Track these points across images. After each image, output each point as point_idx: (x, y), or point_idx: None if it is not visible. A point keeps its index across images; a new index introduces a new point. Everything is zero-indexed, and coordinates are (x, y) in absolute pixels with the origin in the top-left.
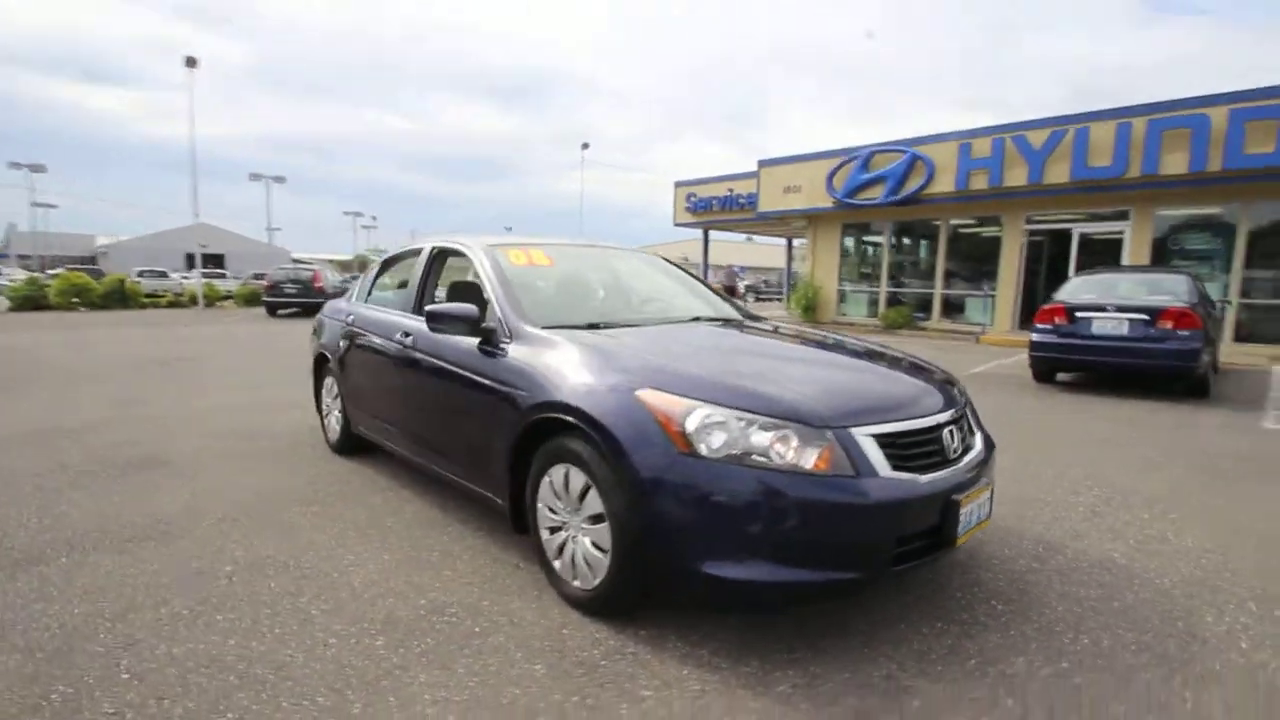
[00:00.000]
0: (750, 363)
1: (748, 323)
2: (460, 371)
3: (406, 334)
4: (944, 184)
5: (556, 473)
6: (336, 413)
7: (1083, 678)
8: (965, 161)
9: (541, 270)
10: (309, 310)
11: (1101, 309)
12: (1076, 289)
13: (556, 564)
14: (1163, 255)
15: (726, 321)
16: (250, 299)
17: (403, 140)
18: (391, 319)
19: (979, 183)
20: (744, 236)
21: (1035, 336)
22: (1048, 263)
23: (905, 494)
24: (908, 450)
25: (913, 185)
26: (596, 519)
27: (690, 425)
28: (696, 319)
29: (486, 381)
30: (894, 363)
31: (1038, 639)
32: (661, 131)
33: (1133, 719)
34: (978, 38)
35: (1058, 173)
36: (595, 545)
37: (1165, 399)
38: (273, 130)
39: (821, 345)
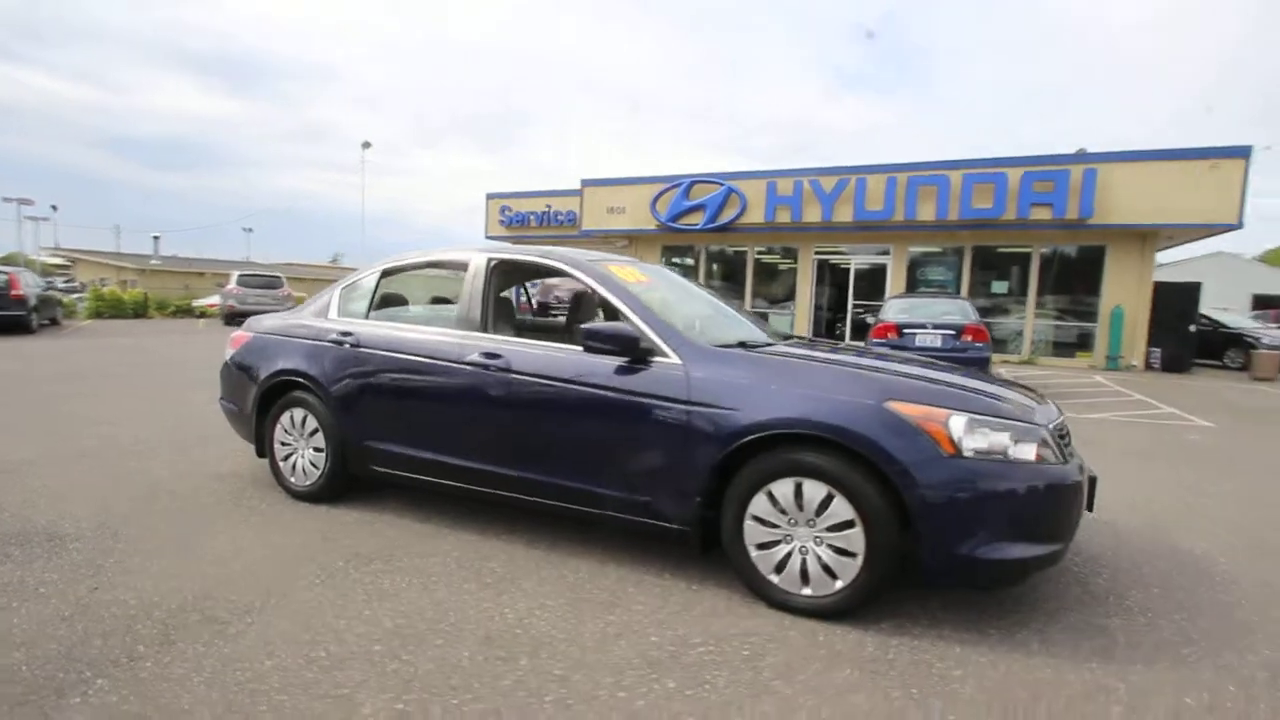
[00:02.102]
0: (925, 376)
1: (819, 340)
2: (615, 395)
3: (493, 355)
4: (755, 216)
5: (780, 487)
6: (310, 452)
7: (1176, 594)
8: (772, 198)
9: (649, 287)
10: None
11: (922, 326)
12: (895, 310)
13: (775, 578)
14: (914, 282)
15: (805, 339)
16: None
17: (84, 115)
18: (451, 339)
19: (783, 216)
20: None
21: (876, 349)
22: (830, 287)
23: (1082, 475)
24: (1064, 442)
25: (728, 215)
26: (842, 526)
27: (955, 430)
28: (786, 336)
29: (661, 403)
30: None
31: (1127, 576)
32: (412, 136)
33: (1224, 606)
34: (717, 86)
35: (843, 213)
36: (841, 551)
37: None
38: None
39: (923, 362)
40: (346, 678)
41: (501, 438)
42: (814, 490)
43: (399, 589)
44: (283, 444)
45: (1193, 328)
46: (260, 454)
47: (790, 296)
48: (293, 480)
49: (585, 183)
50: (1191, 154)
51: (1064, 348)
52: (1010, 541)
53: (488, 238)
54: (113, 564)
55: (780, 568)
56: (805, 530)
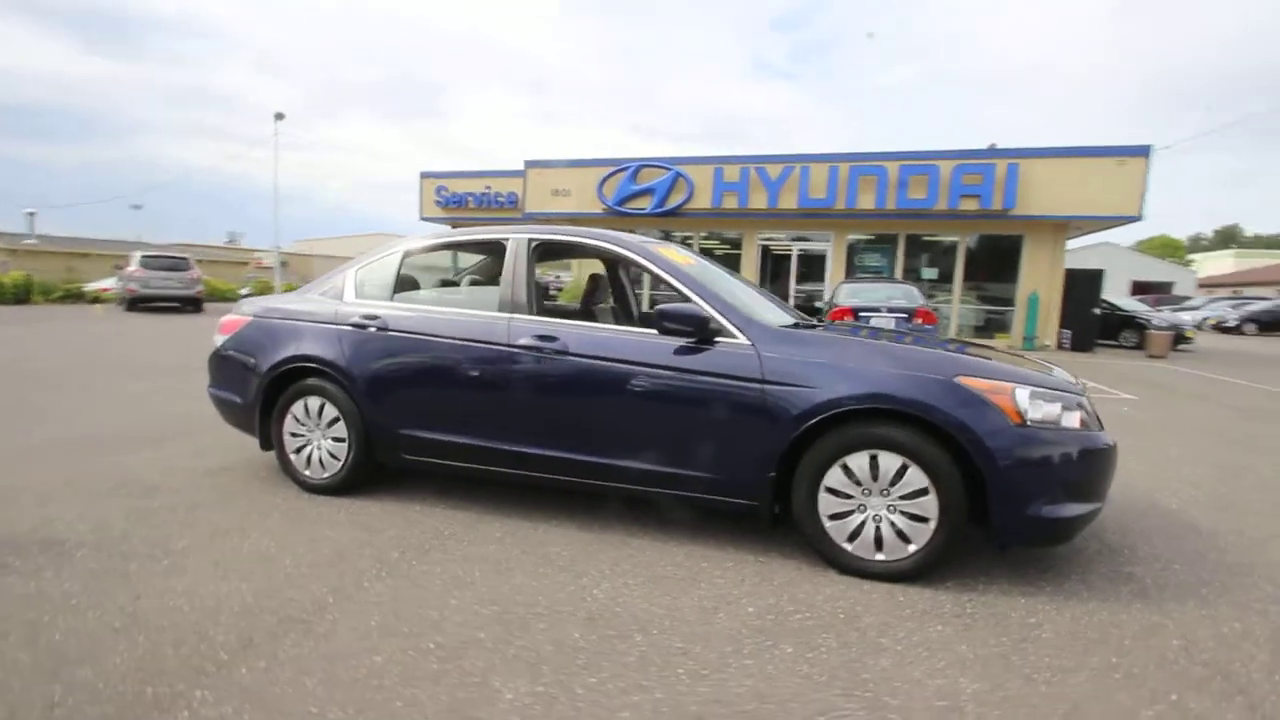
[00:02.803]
0: (969, 352)
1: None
2: (686, 376)
3: (547, 337)
4: (702, 201)
5: (856, 460)
6: (328, 443)
7: (1174, 543)
8: (719, 184)
9: (698, 269)
10: None
11: (876, 309)
12: (846, 294)
13: (848, 546)
14: (850, 268)
15: (826, 321)
16: None
17: None
18: (498, 321)
19: (730, 203)
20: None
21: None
22: (772, 271)
23: (1112, 440)
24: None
25: (676, 200)
26: (916, 494)
27: (1021, 402)
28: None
29: (735, 383)
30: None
31: (1129, 530)
32: (314, 108)
33: (1216, 553)
34: (637, 74)
35: (789, 200)
36: (914, 517)
37: None
38: None
39: (942, 341)
40: (471, 665)
41: (563, 421)
42: (889, 461)
43: (473, 577)
44: (294, 435)
45: (1096, 311)
46: (265, 446)
47: None
48: (307, 473)
49: (529, 164)
50: (1101, 152)
51: (984, 329)
52: (1067, 501)
53: (422, 219)
54: (137, 569)
55: (854, 536)
56: (879, 500)
